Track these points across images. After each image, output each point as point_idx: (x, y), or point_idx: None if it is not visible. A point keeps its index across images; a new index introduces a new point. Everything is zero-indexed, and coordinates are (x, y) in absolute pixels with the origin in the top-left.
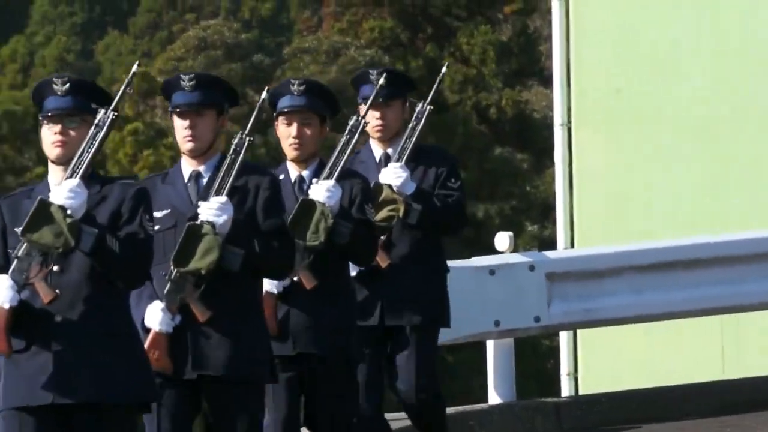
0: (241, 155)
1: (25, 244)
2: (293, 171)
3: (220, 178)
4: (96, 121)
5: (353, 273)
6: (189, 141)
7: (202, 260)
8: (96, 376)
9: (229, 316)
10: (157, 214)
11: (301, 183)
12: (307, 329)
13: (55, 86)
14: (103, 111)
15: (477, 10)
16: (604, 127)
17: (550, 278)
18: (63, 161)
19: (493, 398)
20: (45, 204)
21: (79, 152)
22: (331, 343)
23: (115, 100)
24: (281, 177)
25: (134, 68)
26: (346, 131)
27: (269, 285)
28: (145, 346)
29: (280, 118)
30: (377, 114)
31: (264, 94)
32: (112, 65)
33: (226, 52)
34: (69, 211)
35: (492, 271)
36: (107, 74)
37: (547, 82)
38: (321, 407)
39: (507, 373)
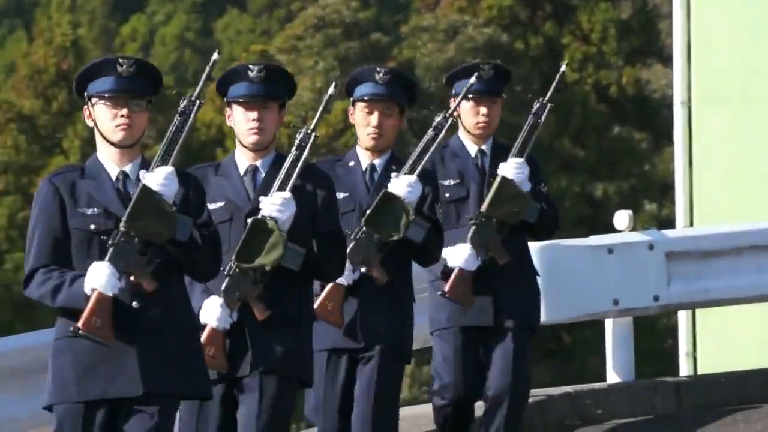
0: (306, 152)
1: (123, 231)
2: (365, 159)
3: (283, 174)
4: (180, 109)
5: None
6: (255, 134)
7: (267, 256)
8: (171, 369)
9: (286, 316)
10: (210, 206)
11: (372, 172)
12: (374, 324)
13: (119, 67)
14: (186, 98)
15: None
16: (726, 105)
17: (670, 257)
18: (125, 144)
19: (612, 377)
20: (149, 192)
21: (167, 138)
22: (396, 338)
23: (198, 87)
24: (351, 164)
25: (214, 56)
26: (432, 127)
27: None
28: (202, 341)
29: (360, 105)
30: (484, 110)
31: (331, 89)
32: (231, 43)
33: (344, 31)
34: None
35: (610, 249)
36: (226, 52)
37: (666, 60)
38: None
39: (626, 352)
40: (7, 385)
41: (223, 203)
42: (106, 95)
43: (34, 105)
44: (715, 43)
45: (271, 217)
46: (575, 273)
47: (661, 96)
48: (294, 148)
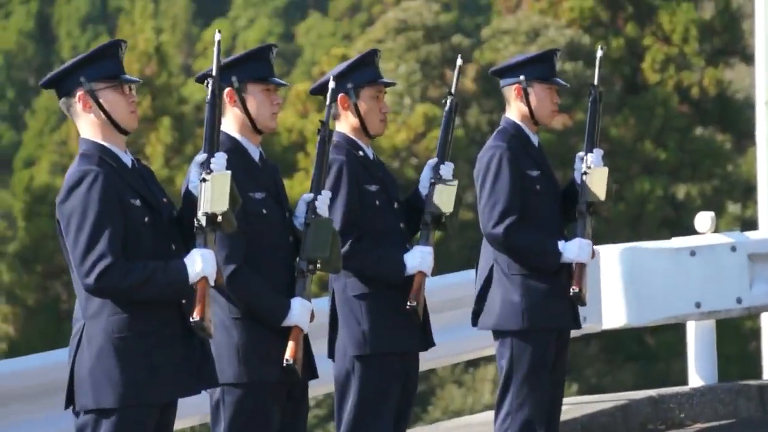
0: (331, 146)
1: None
2: (366, 147)
3: (317, 170)
4: (208, 99)
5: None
6: (275, 118)
7: (338, 259)
8: (213, 362)
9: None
10: (256, 195)
11: (374, 160)
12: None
13: (120, 51)
14: (210, 87)
15: None
16: None
17: (752, 259)
18: (133, 130)
19: (694, 380)
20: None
21: (211, 128)
22: None
23: (215, 72)
24: (360, 153)
25: (217, 37)
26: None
27: (418, 264)
28: (290, 344)
29: (370, 90)
30: (557, 98)
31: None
32: (312, 47)
33: (425, 34)
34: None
35: (693, 252)
36: (308, 56)
37: (749, 60)
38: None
39: (708, 355)
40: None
41: (265, 194)
42: (119, 80)
43: None
44: None
45: (328, 217)
46: (657, 275)
47: (744, 96)
48: (318, 142)
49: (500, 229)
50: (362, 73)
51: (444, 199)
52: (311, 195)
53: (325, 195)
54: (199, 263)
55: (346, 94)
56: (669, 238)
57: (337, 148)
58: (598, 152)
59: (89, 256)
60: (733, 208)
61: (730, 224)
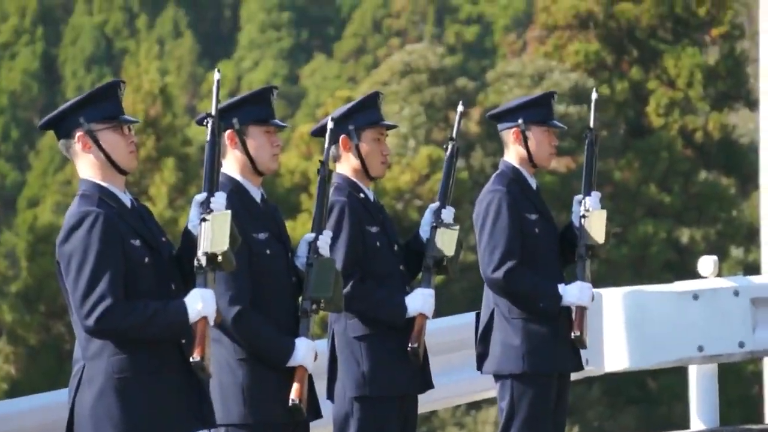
0: (332, 188)
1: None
2: (366, 189)
3: (318, 210)
4: (208, 139)
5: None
6: (275, 160)
7: (342, 298)
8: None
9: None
10: (259, 236)
11: (375, 202)
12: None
13: (119, 91)
14: (210, 124)
15: (683, 32)
16: None
17: (755, 303)
18: (131, 170)
19: (696, 424)
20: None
21: (211, 167)
22: None
23: (214, 109)
24: (362, 195)
25: (217, 76)
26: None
27: (420, 306)
28: (296, 384)
29: (371, 132)
30: (555, 141)
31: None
32: (317, 89)
33: (430, 77)
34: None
35: (696, 295)
36: (312, 98)
37: (754, 104)
38: None
39: (710, 399)
40: None
41: (269, 234)
42: (119, 120)
43: None
44: None
45: (330, 257)
46: (660, 319)
47: (748, 141)
48: (319, 181)
49: (500, 273)
50: (364, 115)
51: (446, 242)
52: (312, 235)
53: (327, 235)
54: (200, 303)
55: (347, 136)
56: (672, 281)
57: (339, 189)
58: (596, 195)
59: (89, 298)
60: (737, 252)
61: (733, 268)
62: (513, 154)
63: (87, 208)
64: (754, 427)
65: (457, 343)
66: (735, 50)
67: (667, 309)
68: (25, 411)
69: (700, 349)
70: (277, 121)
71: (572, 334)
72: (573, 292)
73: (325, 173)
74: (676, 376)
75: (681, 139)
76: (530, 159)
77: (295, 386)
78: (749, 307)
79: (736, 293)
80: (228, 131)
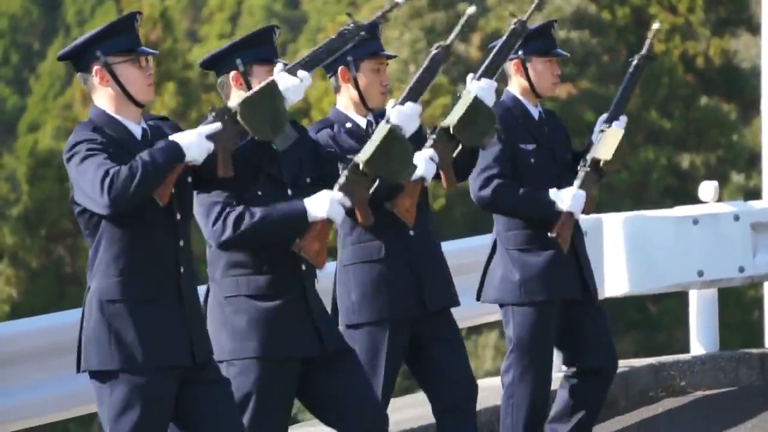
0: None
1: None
2: (361, 120)
3: (414, 83)
4: (433, 55)
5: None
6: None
7: (401, 167)
8: None
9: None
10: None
11: (369, 129)
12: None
13: (136, 23)
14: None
15: None
16: None
17: (756, 228)
18: (149, 102)
19: (696, 349)
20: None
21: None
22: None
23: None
24: (349, 125)
25: (469, 10)
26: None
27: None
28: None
29: (370, 63)
30: (558, 70)
31: (470, 10)
32: (318, 14)
33: (429, 2)
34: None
35: (695, 220)
36: (313, 23)
37: (755, 30)
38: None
39: (710, 324)
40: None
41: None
42: (136, 53)
43: None
44: None
45: (401, 128)
46: (660, 244)
47: (750, 66)
48: (430, 60)
49: (488, 191)
50: (363, 46)
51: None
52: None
53: (409, 106)
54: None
55: (346, 67)
56: (672, 207)
57: (324, 122)
58: (623, 119)
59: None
60: (737, 177)
61: (734, 194)
62: (515, 85)
63: (79, 137)
64: (754, 351)
65: (457, 267)
66: None
67: (668, 234)
68: (26, 332)
69: (700, 273)
70: (280, 60)
71: (548, 233)
72: (565, 198)
73: (440, 54)
74: (677, 300)
75: (682, 65)
76: (532, 89)
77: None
78: (749, 232)
79: (737, 218)
80: (233, 73)
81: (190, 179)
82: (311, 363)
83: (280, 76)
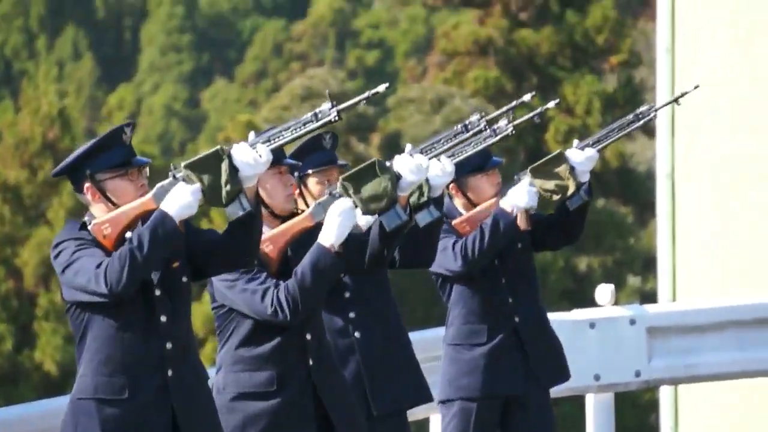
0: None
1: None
2: None
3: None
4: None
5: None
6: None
7: (373, 198)
8: None
9: None
10: None
11: None
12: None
13: (124, 135)
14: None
15: (582, 60)
16: (709, 179)
17: (651, 332)
18: None
19: None
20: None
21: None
22: None
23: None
24: None
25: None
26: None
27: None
28: None
29: (316, 175)
30: (498, 179)
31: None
32: (217, 113)
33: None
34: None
35: (592, 324)
36: (213, 122)
37: (651, 133)
38: None
39: (607, 428)
40: None
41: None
42: (129, 168)
43: (20, 175)
44: (692, 117)
45: (398, 175)
46: None
47: (646, 169)
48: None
49: (457, 260)
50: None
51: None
52: None
53: (419, 157)
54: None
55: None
56: (569, 309)
57: None
58: (587, 149)
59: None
60: (634, 280)
61: (630, 296)
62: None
63: (71, 234)
64: None
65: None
66: (633, 78)
67: (564, 337)
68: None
69: (597, 377)
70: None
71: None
72: (508, 195)
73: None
74: (573, 405)
75: None
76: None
77: None
78: (645, 336)
79: (633, 322)
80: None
81: (185, 278)
82: None
83: (237, 147)
